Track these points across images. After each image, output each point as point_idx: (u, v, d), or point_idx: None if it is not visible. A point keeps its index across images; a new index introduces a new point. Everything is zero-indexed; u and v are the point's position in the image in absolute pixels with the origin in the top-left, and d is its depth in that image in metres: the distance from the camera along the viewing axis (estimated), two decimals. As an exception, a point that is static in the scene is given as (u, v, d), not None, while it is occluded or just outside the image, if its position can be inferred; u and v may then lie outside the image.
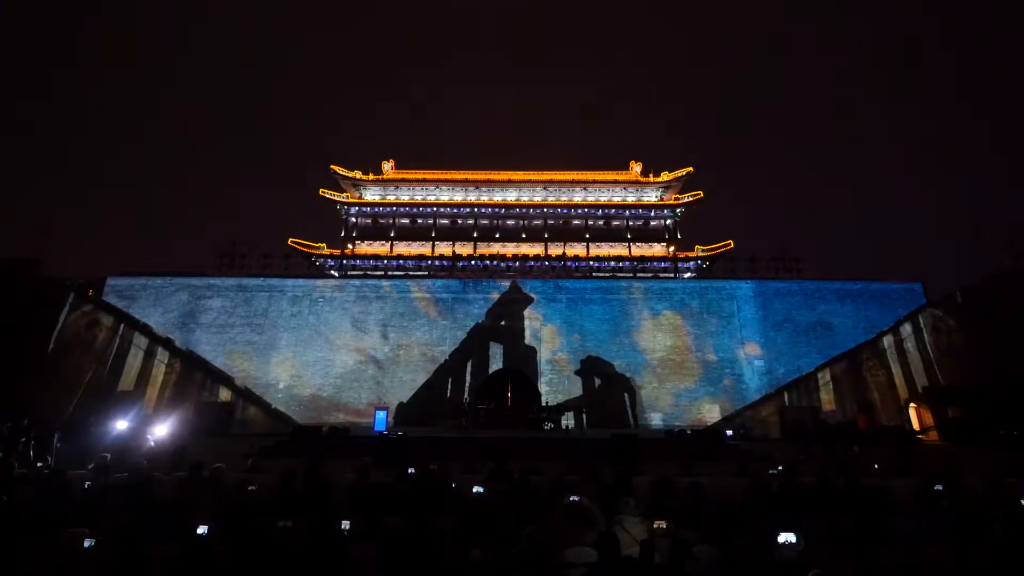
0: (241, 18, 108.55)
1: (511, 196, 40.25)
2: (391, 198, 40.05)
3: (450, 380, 26.78)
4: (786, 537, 4.39)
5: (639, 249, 37.81)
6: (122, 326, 20.87)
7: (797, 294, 28.16)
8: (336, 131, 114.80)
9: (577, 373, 27.07)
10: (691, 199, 38.71)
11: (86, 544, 4.28)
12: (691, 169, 39.08)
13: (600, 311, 27.89)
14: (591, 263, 35.40)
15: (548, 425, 23.51)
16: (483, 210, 38.97)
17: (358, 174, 40.05)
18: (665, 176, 39.91)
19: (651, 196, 40.19)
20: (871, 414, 24.28)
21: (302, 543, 4.54)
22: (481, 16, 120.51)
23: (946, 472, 8.05)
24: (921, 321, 26.57)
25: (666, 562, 4.14)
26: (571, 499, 5.35)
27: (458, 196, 40.12)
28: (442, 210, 38.88)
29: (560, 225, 39.06)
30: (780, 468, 8.73)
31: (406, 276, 31.26)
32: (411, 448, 14.25)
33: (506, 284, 28.71)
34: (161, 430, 15.52)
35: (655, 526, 4.79)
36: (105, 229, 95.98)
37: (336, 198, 38.75)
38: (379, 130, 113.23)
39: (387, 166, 42.17)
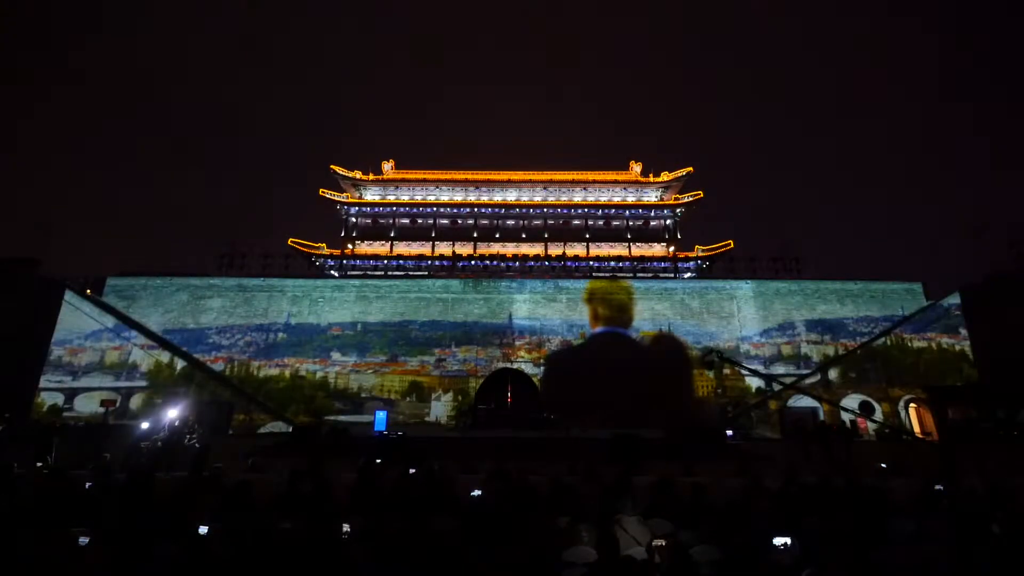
0: (241, 19, 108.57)
1: (511, 196, 40.21)
2: (391, 198, 40.00)
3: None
4: (781, 540, 4.41)
5: (639, 249, 37.77)
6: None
7: (797, 294, 28.14)
8: (336, 131, 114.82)
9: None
10: (691, 199, 38.63)
11: (82, 542, 4.28)
12: (691, 169, 39.01)
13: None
14: (591, 263, 35.34)
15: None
16: (483, 210, 38.92)
17: (358, 174, 40.00)
18: (665, 176, 39.85)
19: (651, 196, 40.15)
20: (871, 414, 24.33)
21: (302, 543, 4.54)
22: (481, 14, 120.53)
23: (946, 472, 8.05)
24: (921, 321, 26.63)
25: (666, 565, 4.14)
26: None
27: (458, 196, 40.07)
28: (442, 210, 38.83)
29: (560, 225, 39.01)
30: (780, 468, 8.73)
31: (406, 276, 31.23)
32: (411, 448, 14.28)
33: (506, 284, 28.71)
34: (173, 413, 15.81)
35: (654, 543, 4.70)
36: (105, 229, 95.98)
37: (336, 198, 38.69)
38: (379, 130, 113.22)
39: (387, 166, 42.10)
